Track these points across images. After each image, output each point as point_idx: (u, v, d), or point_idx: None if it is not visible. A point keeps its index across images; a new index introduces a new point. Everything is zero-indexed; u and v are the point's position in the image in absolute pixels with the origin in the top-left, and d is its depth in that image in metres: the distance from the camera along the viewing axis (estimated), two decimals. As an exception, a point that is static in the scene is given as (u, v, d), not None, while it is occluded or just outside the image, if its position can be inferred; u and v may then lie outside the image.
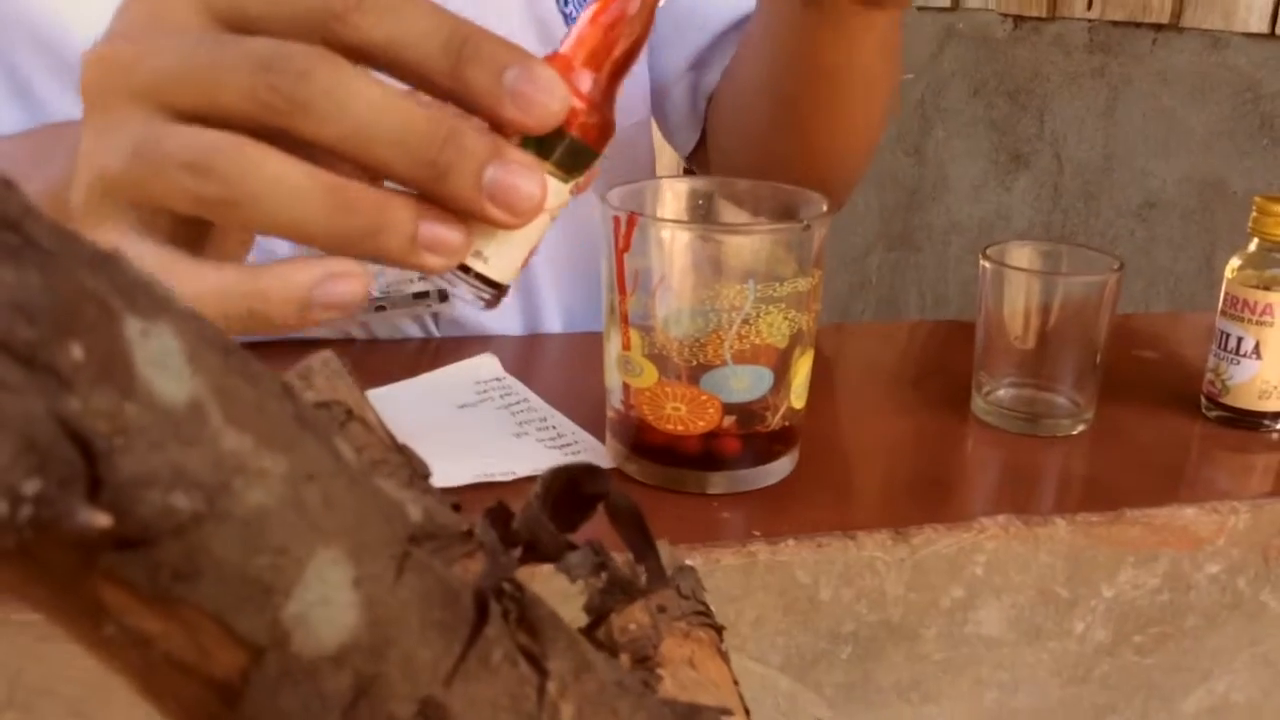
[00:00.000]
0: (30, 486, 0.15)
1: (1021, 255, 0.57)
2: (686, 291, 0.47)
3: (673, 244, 0.48)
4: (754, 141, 0.71)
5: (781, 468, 0.51)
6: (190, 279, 0.31)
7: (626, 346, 0.48)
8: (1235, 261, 0.57)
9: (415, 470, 0.28)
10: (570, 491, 0.28)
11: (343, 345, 0.61)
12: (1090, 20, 1.92)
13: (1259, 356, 0.55)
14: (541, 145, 0.33)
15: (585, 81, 0.34)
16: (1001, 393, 0.57)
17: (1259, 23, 1.57)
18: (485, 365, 0.58)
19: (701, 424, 0.48)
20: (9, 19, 0.58)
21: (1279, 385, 0.56)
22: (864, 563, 0.46)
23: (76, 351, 0.16)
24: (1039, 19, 2.05)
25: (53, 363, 0.15)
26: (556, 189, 0.33)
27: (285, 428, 0.19)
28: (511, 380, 0.57)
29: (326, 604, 0.18)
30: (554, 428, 0.52)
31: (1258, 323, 0.55)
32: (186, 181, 0.30)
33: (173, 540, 0.17)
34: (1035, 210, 2.10)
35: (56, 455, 0.15)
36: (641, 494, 0.49)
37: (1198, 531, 0.50)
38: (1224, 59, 1.64)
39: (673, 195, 0.54)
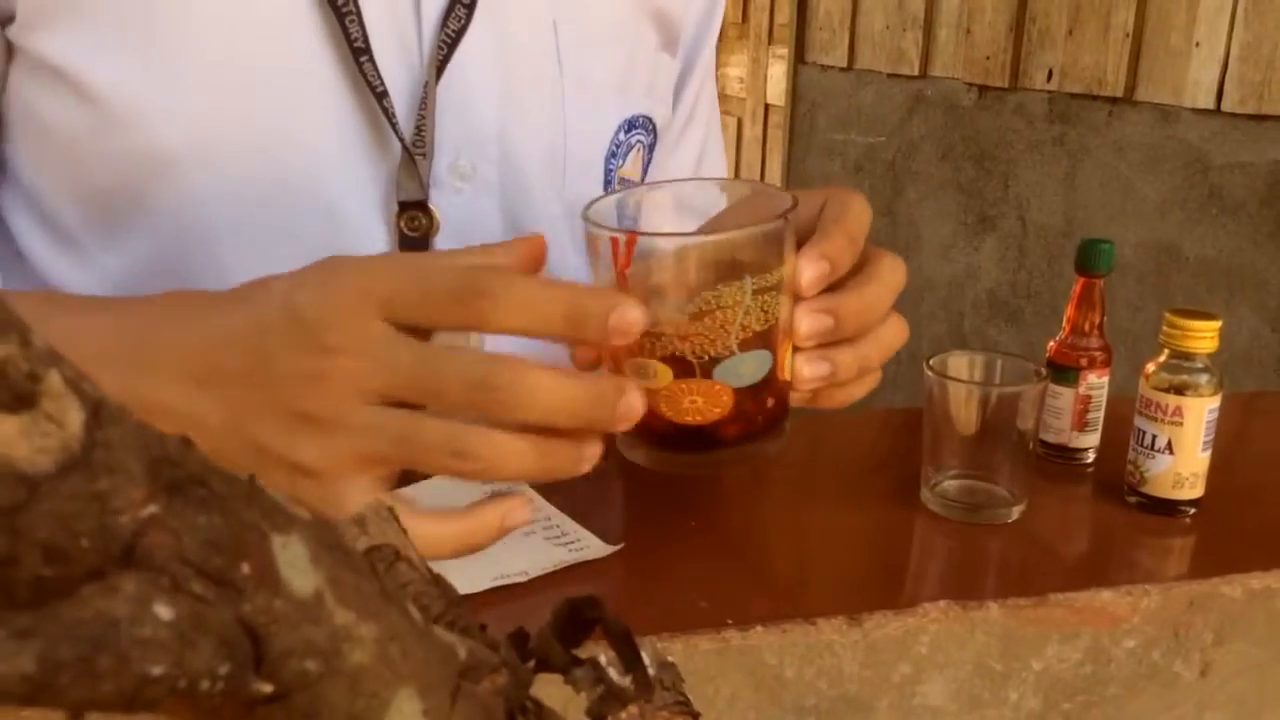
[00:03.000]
0: (223, 669, 0.22)
1: (961, 365, 0.64)
2: (693, 296, 0.52)
3: (675, 255, 0.53)
4: None
5: (779, 440, 0.57)
6: (427, 530, 0.47)
7: (638, 353, 0.53)
8: (1150, 367, 0.64)
9: (449, 600, 0.35)
10: (574, 617, 0.35)
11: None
12: (1049, 91, 2.02)
13: (1172, 452, 0.63)
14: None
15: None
16: (947, 484, 0.64)
17: (1206, 99, 1.66)
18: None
19: (717, 411, 0.53)
20: (56, 167, 0.65)
21: (1190, 476, 0.63)
22: (823, 644, 0.53)
23: (246, 568, 0.23)
24: (1001, 89, 2.15)
25: (233, 579, 0.22)
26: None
27: (375, 602, 0.26)
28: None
29: (408, 733, 0.25)
30: (557, 526, 0.59)
31: (1170, 423, 0.63)
32: (450, 461, 0.45)
33: (303, 693, 0.24)
34: (1001, 270, 2.19)
35: (238, 645, 0.22)
36: (652, 478, 0.58)
37: (1115, 611, 0.57)
38: (1175, 132, 1.74)
39: (649, 205, 0.59)
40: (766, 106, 3.34)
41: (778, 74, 3.35)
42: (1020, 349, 2.14)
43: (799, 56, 2.98)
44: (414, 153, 0.64)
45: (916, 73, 2.41)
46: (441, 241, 0.67)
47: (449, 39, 0.64)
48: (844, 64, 2.74)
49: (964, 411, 0.63)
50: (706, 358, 0.53)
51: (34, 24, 0.61)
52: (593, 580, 0.56)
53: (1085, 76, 1.92)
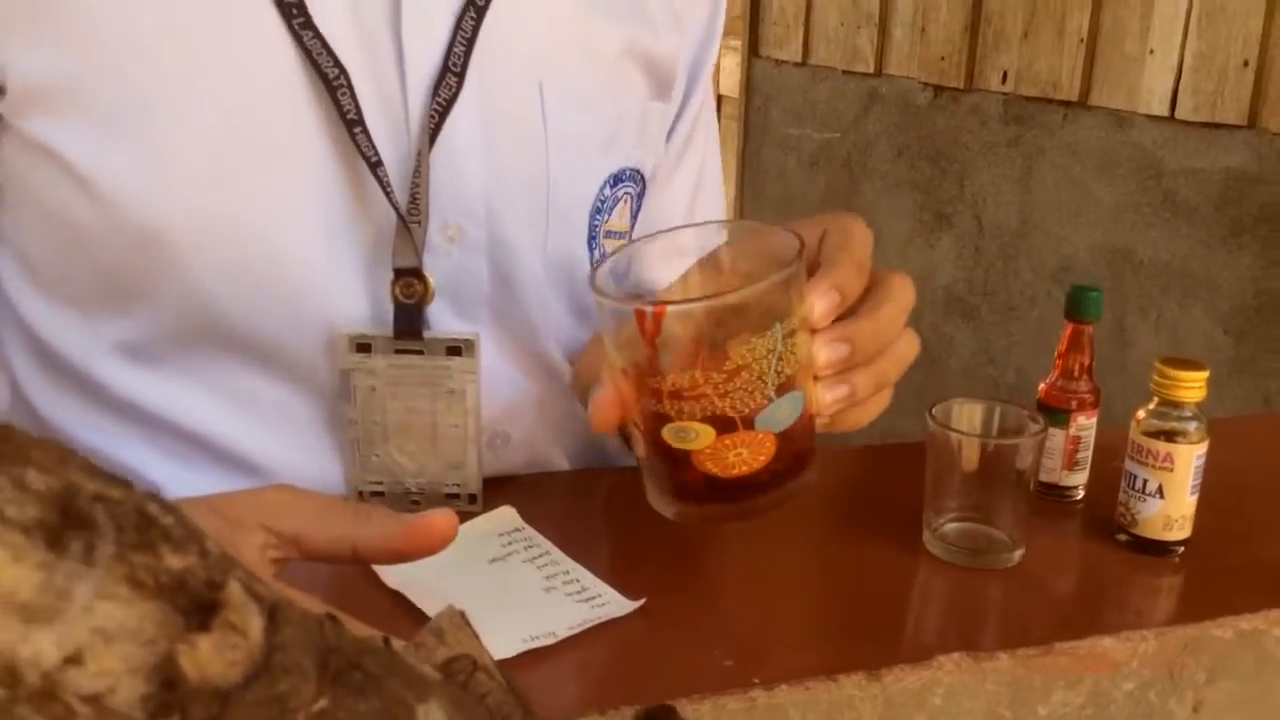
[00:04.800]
0: None
1: (961, 416, 0.67)
2: (724, 354, 0.53)
3: (704, 316, 0.53)
4: None
5: (813, 472, 0.58)
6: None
7: (676, 418, 0.54)
8: (1141, 414, 0.67)
9: (525, 709, 0.37)
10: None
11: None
12: (1005, 94, 2.06)
13: (1162, 496, 0.66)
14: None
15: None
16: (947, 528, 0.67)
17: (1160, 105, 1.71)
18: (505, 517, 0.67)
19: (761, 459, 0.55)
20: (51, 238, 0.65)
21: (1179, 519, 0.66)
22: (844, 700, 0.55)
23: (403, 745, 0.24)
24: (957, 89, 2.18)
25: (394, 758, 0.24)
26: None
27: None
28: (531, 531, 0.66)
29: None
30: (577, 580, 0.61)
31: (1160, 468, 0.66)
32: None
33: None
34: (958, 268, 2.23)
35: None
36: (665, 528, 0.58)
37: (1115, 657, 0.60)
38: (1129, 137, 1.78)
39: (651, 260, 0.60)
40: (720, 98, 3.35)
41: (731, 65, 3.36)
42: (976, 347, 2.18)
43: (753, 50, 3.00)
44: (409, 221, 0.65)
45: (872, 71, 2.44)
46: (435, 305, 0.67)
47: (440, 107, 0.65)
48: (798, 59, 2.76)
49: (964, 460, 0.65)
50: (747, 410, 0.53)
51: (24, 107, 0.61)
52: (618, 640, 0.58)
53: (1040, 80, 1.96)
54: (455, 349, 0.65)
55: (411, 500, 0.67)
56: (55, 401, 0.69)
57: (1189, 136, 1.66)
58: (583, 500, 0.74)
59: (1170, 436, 0.66)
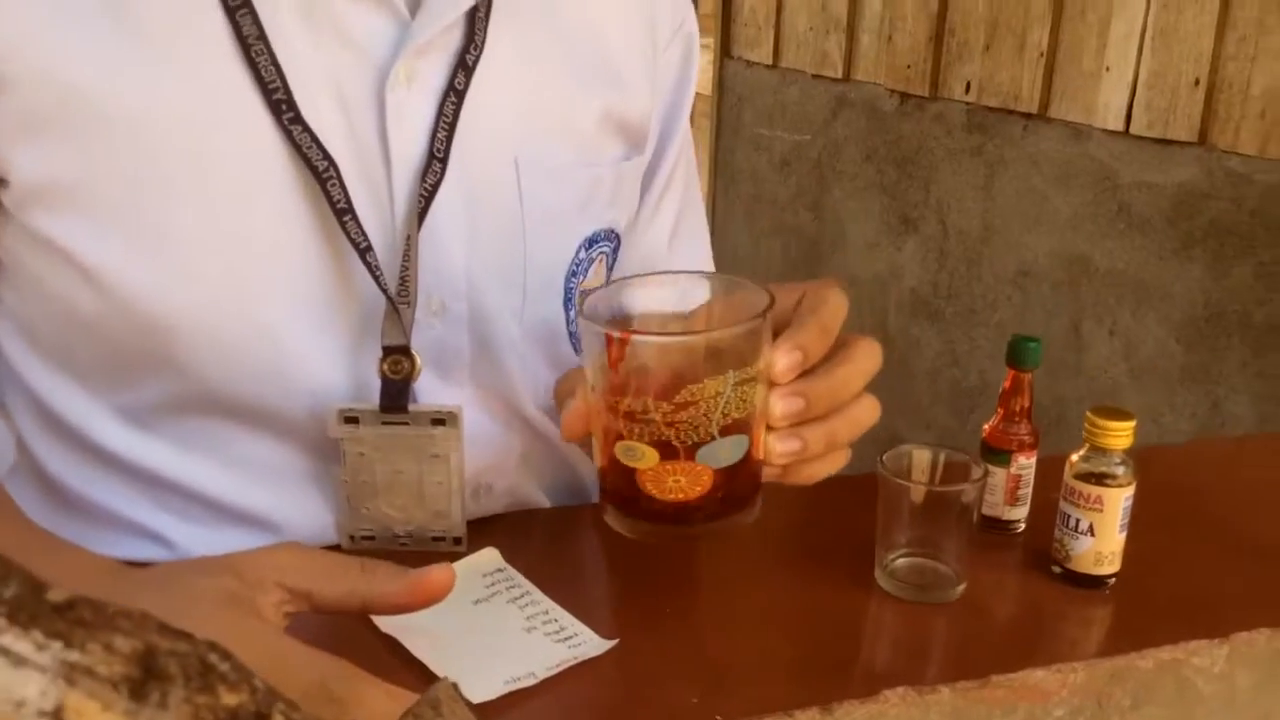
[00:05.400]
0: None
1: (909, 459, 0.72)
2: (679, 387, 0.57)
3: (662, 350, 0.58)
4: None
5: (753, 512, 0.63)
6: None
7: (627, 437, 0.59)
8: (1074, 458, 0.73)
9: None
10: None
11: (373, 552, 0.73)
12: (968, 103, 2.11)
13: (1093, 534, 0.72)
14: None
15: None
16: (897, 564, 0.72)
17: (1115, 120, 1.76)
18: (488, 558, 0.72)
19: (698, 489, 0.60)
20: (54, 320, 0.70)
21: (1109, 555, 0.72)
22: (800, 733, 0.61)
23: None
24: (922, 97, 2.23)
25: None
26: None
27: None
28: (512, 571, 0.71)
29: None
30: (556, 620, 0.66)
31: (1090, 509, 0.71)
32: None
33: None
34: (924, 270, 2.29)
35: None
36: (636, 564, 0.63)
37: (1047, 687, 0.65)
38: (1086, 149, 1.84)
39: (639, 297, 0.64)
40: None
41: (703, 63, 3.39)
42: (941, 348, 2.24)
43: (725, 50, 3.04)
44: (398, 303, 0.68)
45: (840, 75, 2.49)
46: (421, 379, 0.71)
47: (427, 192, 0.68)
48: (769, 61, 2.81)
49: (912, 504, 0.71)
50: (690, 442, 0.59)
51: (28, 203, 0.65)
52: (593, 679, 0.63)
53: (1002, 91, 2.02)
54: (439, 420, 0.69)
55: (400, 543, 0.72)
56: (60, 459, 0.73)
57: (1143, 151, 1.72)
58: (561, 539, 0.79)
59: (1100, 480, 0.72)
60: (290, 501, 0.73)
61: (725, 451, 0.59)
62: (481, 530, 0.75)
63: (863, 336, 0.64)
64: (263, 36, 0.65)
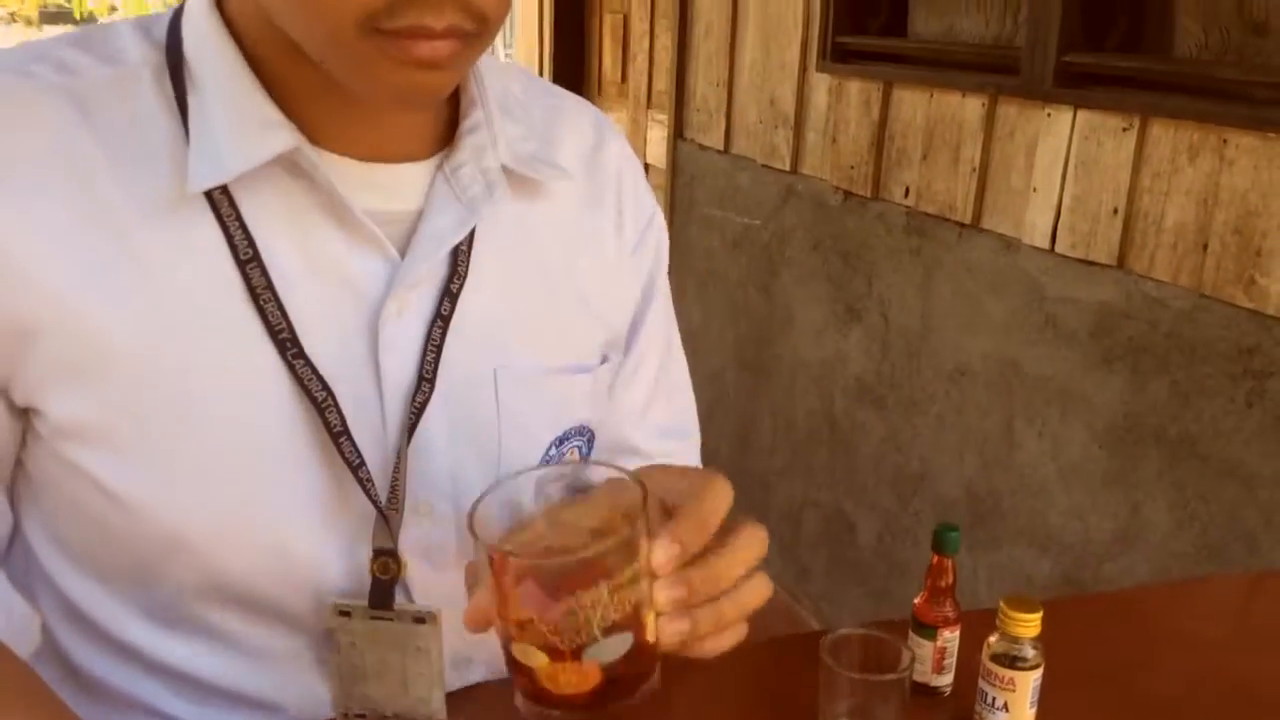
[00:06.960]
0: None
1: (848, 646, 0.83)
2: (558, 600, 0.61)
3: (540, 570, 0.62)
4: None
5: (649, 685, 0.68)
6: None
7: (521, 639, 0.63)
8: (991, 640, 0.84)
9: None
10: None
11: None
12: (907, 207, 2.24)
13: (1007, 710, 0.83)
14: None
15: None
16: (839, 735, 0.83)
17: (1041, 238, 1.89)
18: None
19: (590, 683, 0.63)
20: (75, 526, 0.78)
21: (1020, 727, 0.83)
22: None
23: None
24: (865, 197, 2.36)
25: None
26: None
27: None
28: (497, 749, 0.80)
29: None
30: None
31: (1004, 689, 0.82)
32: None
33: None
34: (868, 358, 2.41)
35: None
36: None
37: None
38: (1015, 261, 1.97)
39: (531, 493, 0.69)
40: (647, 166, 3.50)
41: (657, 137, 3.51)
42: (885, 433, 2.36)
43: (678, 132, 3.16)
44: (386, 512, 0.77)
45: (788, 168, 2.61)
46: (413, 570, 0.80)
47: (416, 410, 0.77)
48: (720, 147, 2.93)
49: (850, 684, 0.81)
50: (574, 645, 0.64)
51: (58, 438, 0.73)
52: None
53: (938, 199, 2.14)
54: (420, 619, 0.79)
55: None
56: (85, 650, 0.81)
57: (1067, 268, 1.85)
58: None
59: (1012, 663, 0.83)
60: (293, 684, 0.82)
61: (611, 648, 0.65)
62: (465, 699, 0.85)
63: (749, 523, 0.69)
64: (270, 286, 0.74)
